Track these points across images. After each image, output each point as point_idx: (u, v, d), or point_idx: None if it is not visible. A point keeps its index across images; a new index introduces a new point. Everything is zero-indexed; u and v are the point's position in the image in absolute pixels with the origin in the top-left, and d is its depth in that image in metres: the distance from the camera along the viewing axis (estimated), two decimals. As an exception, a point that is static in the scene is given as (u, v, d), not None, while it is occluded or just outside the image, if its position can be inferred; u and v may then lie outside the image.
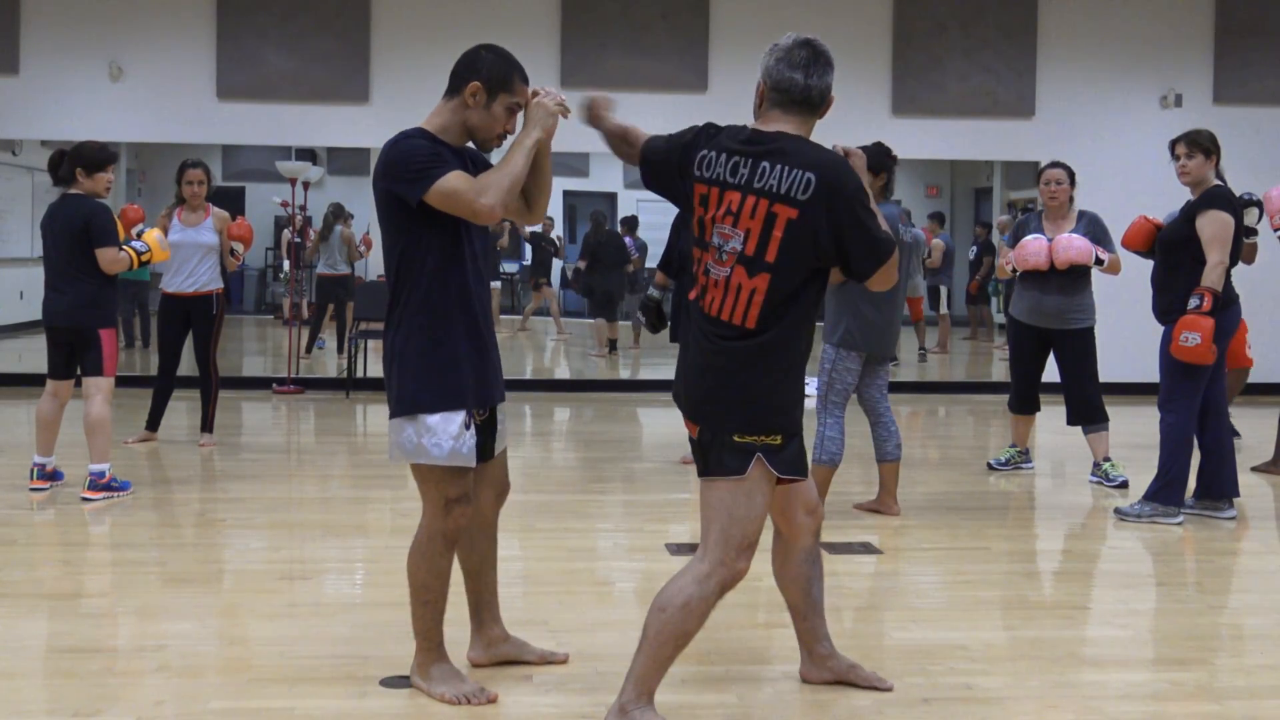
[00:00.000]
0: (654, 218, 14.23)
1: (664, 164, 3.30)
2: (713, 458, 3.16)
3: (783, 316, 3.11)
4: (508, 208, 3.43)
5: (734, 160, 3.13)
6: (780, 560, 3.60)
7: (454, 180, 3.29)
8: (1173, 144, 5.94)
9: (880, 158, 5.71)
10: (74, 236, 6.10)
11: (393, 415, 3.45)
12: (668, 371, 11.86)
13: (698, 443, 3.22)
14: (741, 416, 3.12)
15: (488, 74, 3.41)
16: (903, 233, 5.94)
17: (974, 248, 15.03)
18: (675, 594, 3.16)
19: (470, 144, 3.52)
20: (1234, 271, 5.94)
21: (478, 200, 3.28)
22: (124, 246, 6.28)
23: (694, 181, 3.19)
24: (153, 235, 6.57)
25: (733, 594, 4.63)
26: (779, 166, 3.07)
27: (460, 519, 3.47)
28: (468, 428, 3.40)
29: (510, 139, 3.49)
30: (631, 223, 15.30)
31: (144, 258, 6.41)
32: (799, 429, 3.22)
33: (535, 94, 3.47)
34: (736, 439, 3.12)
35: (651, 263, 13.34)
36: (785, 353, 3.14)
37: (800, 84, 3.16)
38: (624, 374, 12.94)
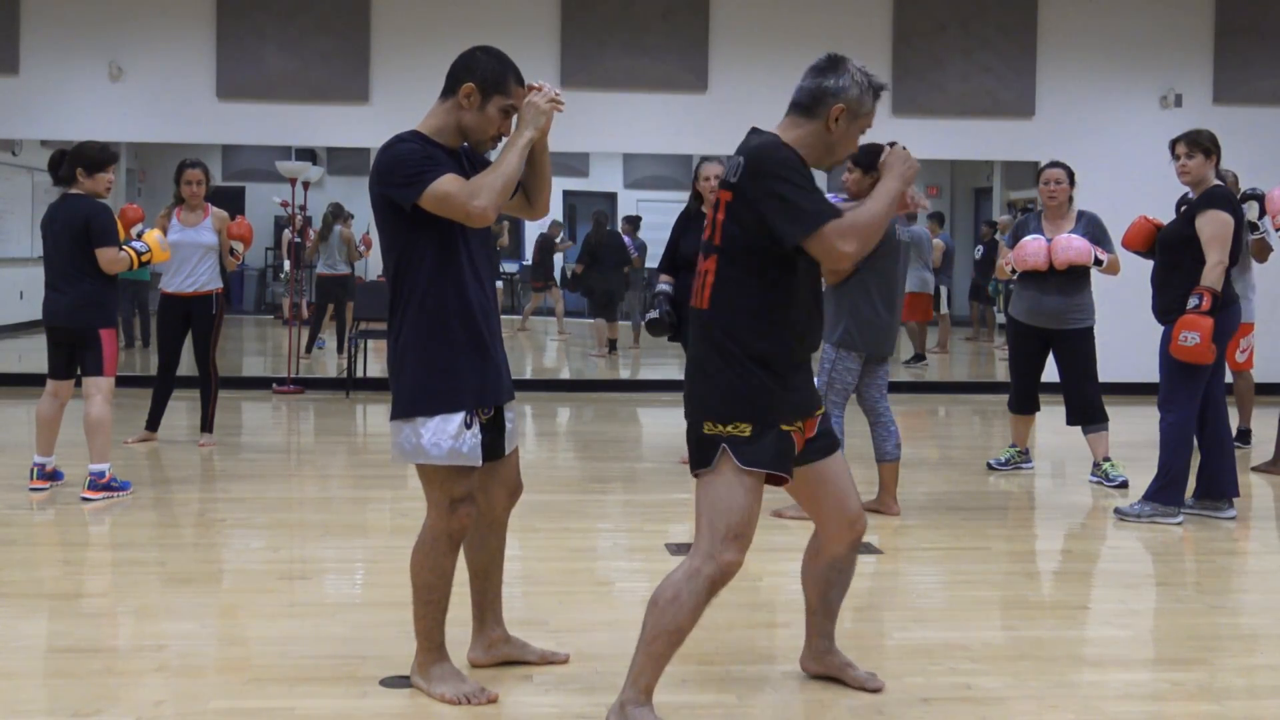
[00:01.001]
0: (655, 217, 14.24)
1: None
2: (695, 451, 3.21)
3: (734, 299, 3.16)
4: (507, 207, 3.42)
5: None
6: (810, 555, 3.61)
7: (446, 184, 3.30)
8: (1173, 143, 5.94)
9: (872, 157, 5.71)
10: (74, 236, 6.10)
11: (392, 418, 3.46)
12: (668, 371, 11.90)
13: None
14: (706, 406, 3.17)
15: (482, 75, 3.42)
16: (899, 232, 5.93)
17: (980, 247, 15.00)
18: (666, 588, 3.17)
19: (465, 144, 3.53)
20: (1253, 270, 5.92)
21: (470, 203, 3.29)
22: (124, 246, 6.28)
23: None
24: (153, 235, 6.58)
25: (733, 594, 4.62)
26: (731, 159, 3.25)
27: (465, 519, 3.47)
28: (468, 426, 3.40)
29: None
30: (635, 222, 15.28)
31: (144, 258, 6.41)
32: (775, 423, 3.17)
33: (532, 88, 3.48)
34: (706, 430, 3.16)
35: (651, 263, 13.34)
36: (744, 340, 3.14)
37: (796, 87, 3.28)
38: (624, 374, 12.94)
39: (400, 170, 3.32)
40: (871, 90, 3.25)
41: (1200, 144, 5.83)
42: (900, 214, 4.99)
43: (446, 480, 3.43)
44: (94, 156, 6.21)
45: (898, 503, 6.10)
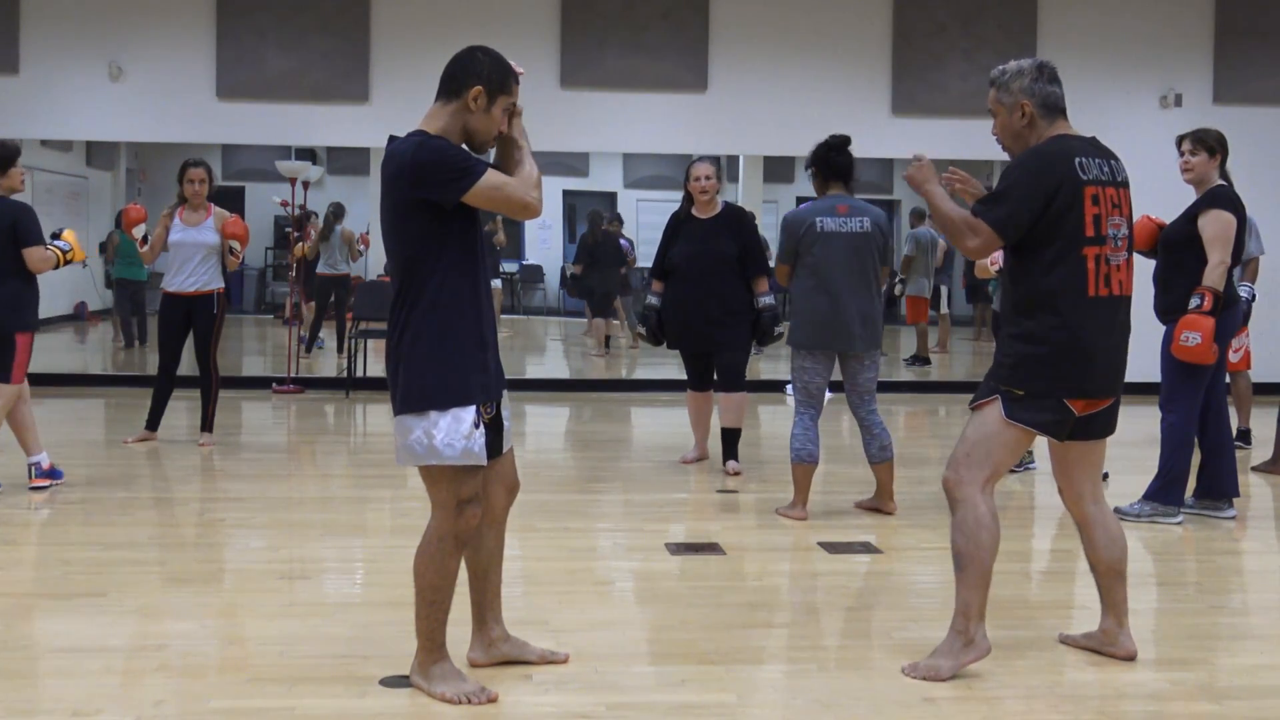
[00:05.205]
0: (654, 217, 14.21)
1: (1033, 205, 3.72)
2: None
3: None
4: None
5: (1097, 162, 3.82)
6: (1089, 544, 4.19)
7: (496, 177, 3.39)
8: (1180, 139, 5.95)
9: (820, 161, 5.94)
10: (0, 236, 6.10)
11: (399, 412, 3.44)
12: (667, 371, 11.89)
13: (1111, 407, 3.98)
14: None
15: (488, 77, 3.44)
16: (820, 224, 5.89)
17: None
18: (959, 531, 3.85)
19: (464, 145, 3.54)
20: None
21: (529, 194, 3.42)
22: (49, 245, 6.26)
23: (1083, 186, 3.72)
24: (71, 234, 6.49)
25: (733, 594, 4.63)
26: (1115, 162, 3.91)
27: (472, 519, 3.47)
28: (477, 426, 3.41)
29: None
30: (620, 221, 15.22)
31: (67, 256, 6.36)
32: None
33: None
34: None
35: (644, 262, 13.31)
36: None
37: (1061, 94, 3.88)
38: (623, 374, 12.94)
39: (445, 168, 3.34)
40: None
41: (1205, 142, 5.84)
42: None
43: (455, 481, 3.43)
44: (2, 155, 6.19)
45: (894, 501, 6.10)
